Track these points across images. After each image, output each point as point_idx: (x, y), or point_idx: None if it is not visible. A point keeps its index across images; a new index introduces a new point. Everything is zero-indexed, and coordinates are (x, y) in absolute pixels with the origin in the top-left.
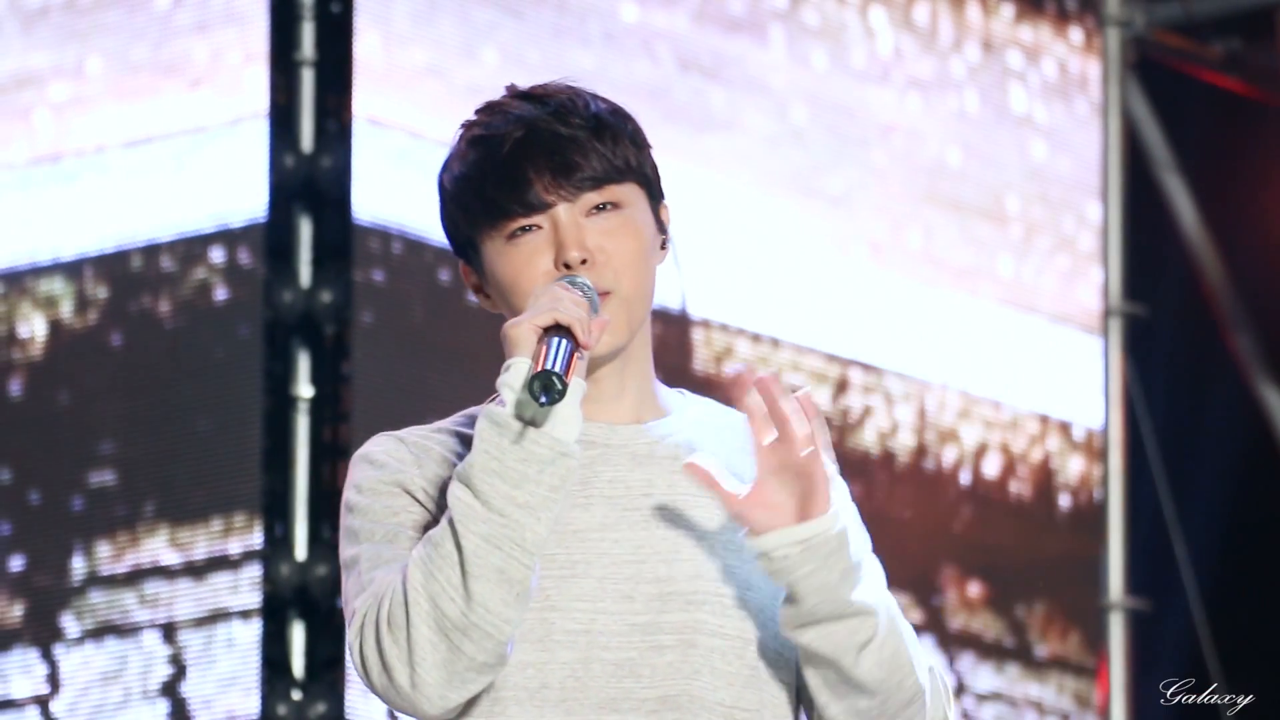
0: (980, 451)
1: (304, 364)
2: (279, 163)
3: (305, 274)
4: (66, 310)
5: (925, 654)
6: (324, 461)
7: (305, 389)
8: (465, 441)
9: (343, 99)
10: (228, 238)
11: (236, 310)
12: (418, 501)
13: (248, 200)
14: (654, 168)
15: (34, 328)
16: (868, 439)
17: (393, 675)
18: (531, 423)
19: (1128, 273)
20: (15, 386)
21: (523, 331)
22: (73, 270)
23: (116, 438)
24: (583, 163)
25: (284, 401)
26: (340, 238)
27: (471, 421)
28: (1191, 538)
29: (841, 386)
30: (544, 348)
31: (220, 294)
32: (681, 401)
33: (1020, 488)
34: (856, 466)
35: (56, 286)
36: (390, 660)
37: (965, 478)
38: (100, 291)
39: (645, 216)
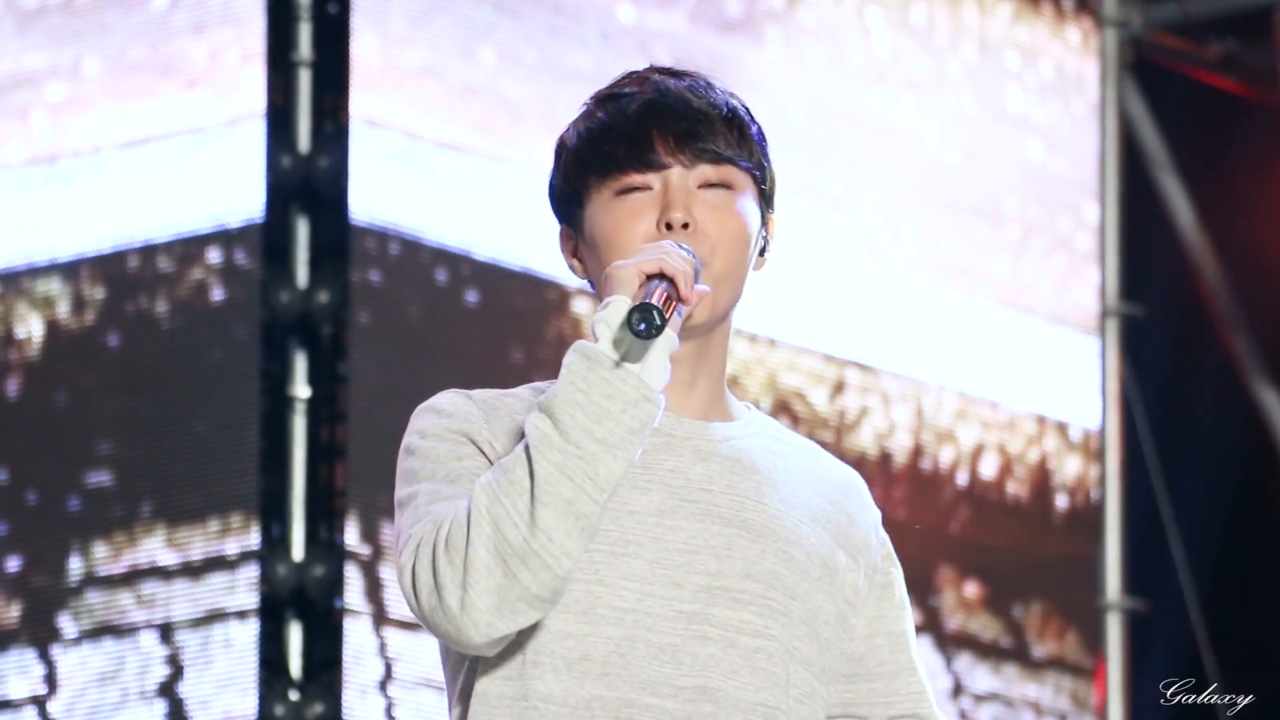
0: (977, 452)
1: (301, 364)
2: (276, 163)
3: (302, 274)
4: (63, 310)
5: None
6: (321, 462)
7: (302, 389)
8: (530, 407)
9: (340, 99)
10: (225, 238)
11: (233, 311)
12: (482, 453)
13: (245, 201)
14: (773, 180)
15: (31, 328)
16: (865, 439)
17: (443, 595)
18: (622, 359)
19: (1124, 273)
20: (12, 387)
21: (628, 273)
22: (70, 271)
23: (113, 438)
24: (707, 135)
25: (281, 402)
26: (337, 238)
27: (539, 393)
28: (1188, 538)
29: (838, 387)
30: (644, 289)
31: (217, 294)
32: (749, 413)
33: (1017, 488)
34: (853, 467)
35: (53, 287)
36: (443, 580)
37: (962, 478)
38: (97, 292)
39: (754, 209)
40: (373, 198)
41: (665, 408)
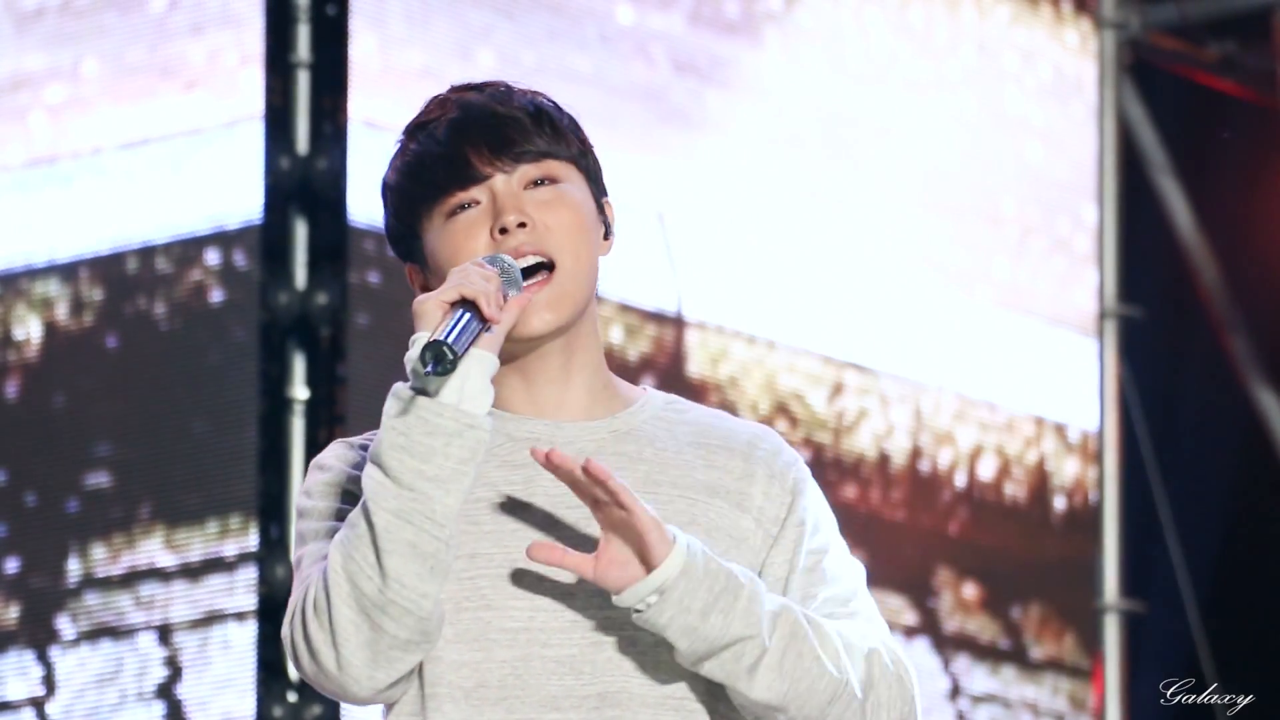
0: (976, 454)
1: (299, 366)
2: (275, 165)
3: (301, 276)
4: (62, 312)
5: (866, 634)
6: None
7: (301, 391)
8: None
9: (338, 101)
10: (223, 240)
11: (232, 312)
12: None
13: (243, 202)
14: (596, 163)
15: (30, 329)
16: (863, 441)
17: (319, 658)
18: (423, 393)
19: (1123, 275)
20: (11, 388)
21: (429, 307)
22: (68, 272)
23: (112, 440)
24: (520, 138)
25: (280, 403)
26: (336, 240)
27: None
28: (1186, 540)
29: (837, 389)
30: (444, 322)
31: (216, 296)
32: (644, 396)
33: (1015, 490)
34: (851, 469)
35: (52, 288)
36: (316, 644)
37: (961, 480)
38: (96, 293)
39: (584, 196)
40: (371, 199)
41: (544, 416)
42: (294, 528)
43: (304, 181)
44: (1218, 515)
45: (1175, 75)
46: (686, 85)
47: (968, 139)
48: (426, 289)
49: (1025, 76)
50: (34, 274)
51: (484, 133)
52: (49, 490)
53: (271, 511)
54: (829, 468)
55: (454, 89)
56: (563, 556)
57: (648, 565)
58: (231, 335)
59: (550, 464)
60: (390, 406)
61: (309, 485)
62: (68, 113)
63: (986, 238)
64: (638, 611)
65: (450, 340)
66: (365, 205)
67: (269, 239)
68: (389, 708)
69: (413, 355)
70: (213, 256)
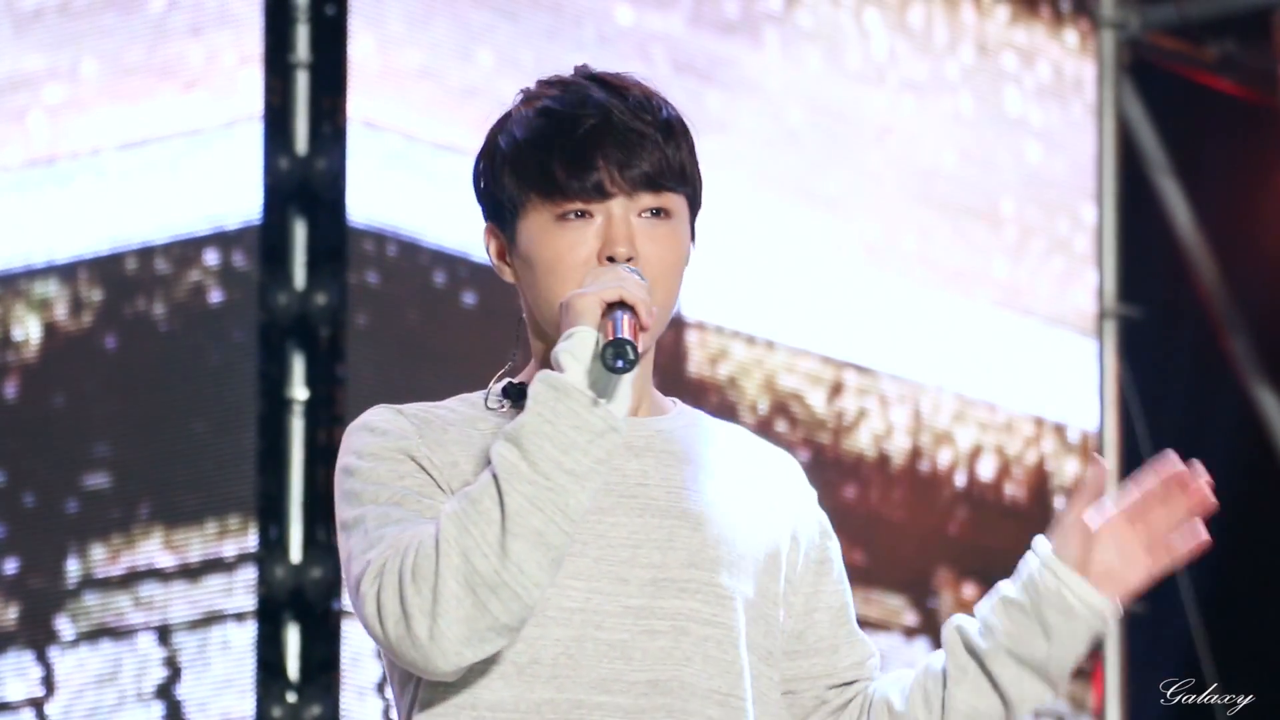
0: (975, 454)
1: (299, 366)
2: (274, 165)
3: (300, 276)
4: (61, 312)
5: None
6: (319, 464)
7: (300, 391)
8: (465, 419)
9: (337, 101)
10: (222, 240)
11: (231, 312)
12: (422, 469)
13: (242, 202)
14: (701, 180)
15: (28, 330)
16: (862, 441)
17: (412, 624)
18: (593, 391)
19: (1122, 275)
20: (10, 389)
21: (588, 303)
22: (67, 272)
23: (111, 440)
24: (648, 162)
25: (279, 404)
26: (335, 240)
27: (468, 404)
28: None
29: (836, 389)
30: (611, 321)
31: (215, 296)
32: (677, 406)
33: (1015, 490)
34: (851, 469)
35: (51, 289)
36: (411, 609)
37: (960, 480)
38: (95, 294)
39: (686, 231)
40: (370, 200)
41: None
42: (341, 485)
43: (303, 182)
44: (1218, 516)
45: (1175, 75)
46: (686, 85)
47: (967, 139)
48: (504, 260)
49: (1024, 76)
50: (33, 274)
51: (618, 148)
52: (48, 491)
53: (271, 512)
54: (828, 468)
55: (588, 77)
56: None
57: (1116, 588)
58: (231, 336)
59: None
60: (540, 392)
61: (360, 446)
62: (66, 113)
63: (986, 238)
64: (1084, 606)
65: (632, 340)
66: (365, 205)
67: (268, 239)
68: (418, 683)
69: (573, 348)
70: (212, 257)
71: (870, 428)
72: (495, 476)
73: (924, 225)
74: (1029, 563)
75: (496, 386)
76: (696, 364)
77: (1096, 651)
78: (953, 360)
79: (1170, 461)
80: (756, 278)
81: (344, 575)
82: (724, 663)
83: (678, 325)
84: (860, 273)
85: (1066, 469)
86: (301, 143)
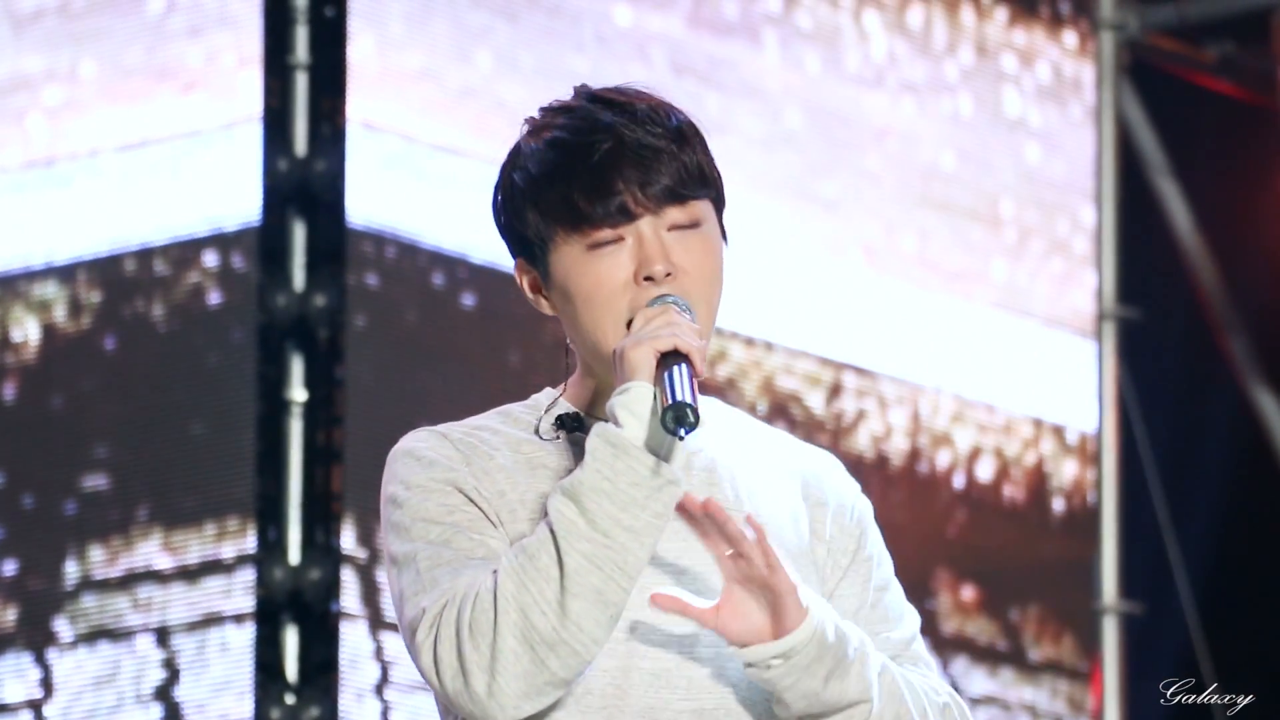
0: (974, 455)
1: (297, 367)
2: (273, 166)
3: (299, 278)
4: (60, 314)
5: (937, 688)
6: (317, 465)
7: (299, 393)
8: (509, 443)
9: (336, 103)
10: (221, 241)
11: (230, 314)
12: (470, 501)
13: (241, 204)
14: (721, 176)
15: (27, 331)
16: (861, 443)
17: (470, 680)
18: (651, 445)
19: (1121, 276)
20: (8, 390)
21: (643, 354)
22: (66, 274)
23: (110, 441)
24: (668, 175)
25: (277, 405)
26: (334, 241)
27: (508, 420)
28: (1185, 541)
29: (835, 390)
30: (666, 376)
31: (214, 298)
32: (713, 409)
33: (1014, 491)
34: (850, 470)
35: (50, 290)
36: (469, 665)
37: (959, 481)
38: (94, 295)
39: (718, 234)
40: (369, 201)
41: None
42: (389, 515)
43: (302, 183)
44: (1217, 516)
45: (1174, 76)
46: (685, 87)
47: (966, 140)
48: (539, 294)
49: (1024, 78)
50: (32, 276)
51: (636, 168)
52: (47, 492)
53: (269, 513)
54: None
55: (591, 98)
56: (685, 606)
57: (779, 627)
58: (229, 337)
59: (709, 510)
60: (598, 448)
61: (407, 476)
62: (65, 115)
63: (985, 239)
64: (751, 666)
65: (694, 403)
66: (363, 207)
67: (267, 241)
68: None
69: (630, 403)
70: (211, 258)
71: (869, 429)
72: (553, 533)
73: (923, 226)
74: None
75: (549, 416)
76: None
77: (1095, 652)
78: (951, 362)
79: (686, 507)
80: (755, 279)
81: (395, 609)
82: (764, 690)
83: None
84: (859, 274)
85: (1065, 470)
86: (300, 144)
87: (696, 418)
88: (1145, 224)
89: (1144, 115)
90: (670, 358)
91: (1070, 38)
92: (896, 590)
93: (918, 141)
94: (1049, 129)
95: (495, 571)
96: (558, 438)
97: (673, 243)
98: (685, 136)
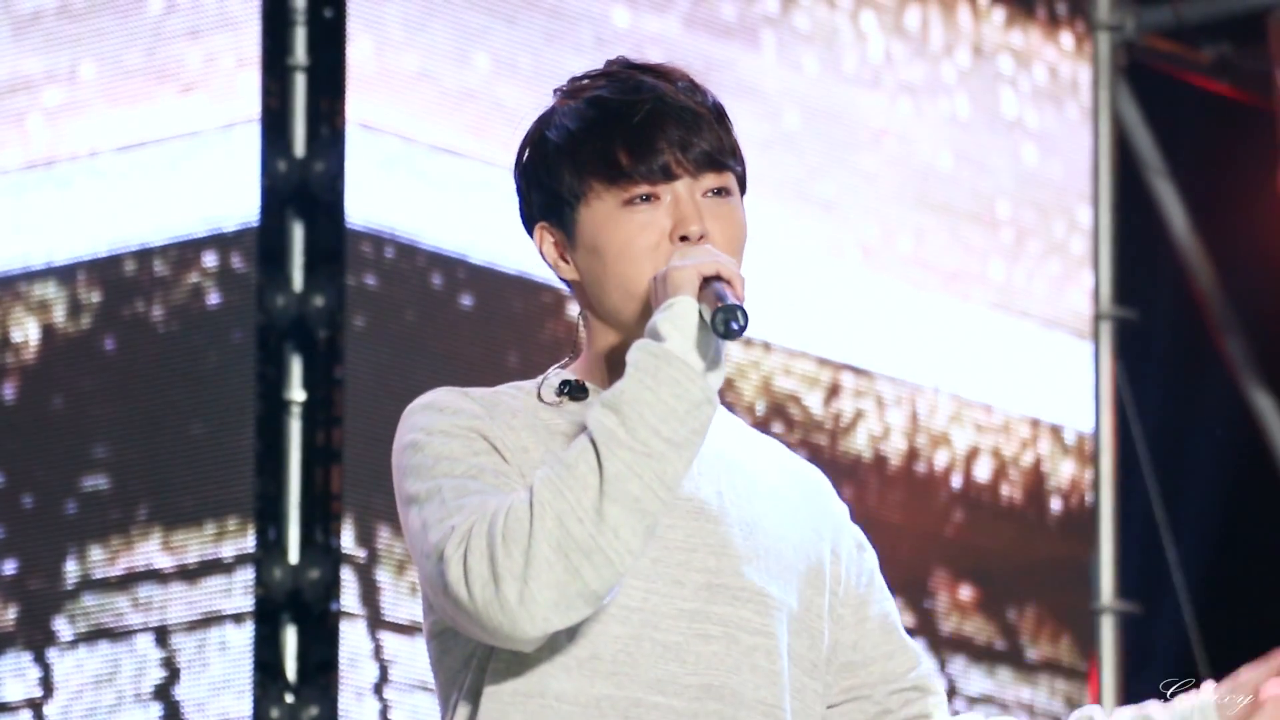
0: (972, 455)
1: (297, 368)
2: (272, 167)
3: (298, 278)
4: (59, 314)
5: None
6: (317, 465)
7: (298, 393)
8: (528, 409)
9: (335, 104)
10: (221, 242)
11: (229, 314)
12: (495, 450)
13: (240, 205)
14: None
15: (27, 332)
16: (859, 443)
17: (501, 586)
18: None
19: (1118, 277)
20: (8, 390)
21: (687, 275)
22: (66, 274)
23: (109, 442)
24: (708, 141)
25: (277, 405)
26: (333, 242)
27: (522, 390)
28: (1182, 541)
29: (833, 390)
30: (713, 289)
31: (213, 298)
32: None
33: (1012, 491)
34: (848, 470)
35: (50, 291)
36: (502, 572)
37: (957, 481)
38: (93, 296)
39: (743, 210)
40: (368, 202)
41: None
42: (406, 460)
43: (301, 184)
44: (1213, 516)
45: (1170, 78)
46: None
47: (963, 141)
48: (561, 255)
49: (1020, 79)
50: (32, 276)
51: (678, 128)
52: (47, 492)
53: (269, 513)
54: (825, 469)
55: (630, 66)
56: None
57: None
58: (229, 337)
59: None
60: (642, 359)
61: (427, 423)
62: (65, 116)
63: (982, 240)
64: None
65: (743, 306)
66: (362, 208)
67: (266, 242)
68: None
69: (675, 317)
70: (210, 259)
71: (867, 429)
72: (594, 442)
73: (920, 227)
74: (1188, 700)
75: (553, 380)
76: None
77: (1092, 650)
78: (949, 362)
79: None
80: (753, 280)
81: (413, 546)
82: (769, 673)
83: None
84: (857, 274)
85: (1062, 470)
86: (299, 145)
87: (747, 319)
88: (1142, 225)
89: (1140, 116)
90: (712, 281)
91: (1067, 39)
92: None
93: (915, 142)
94: (1046, 130)
95: (530, 486)
96: (560, 404)
97: (706, 208)
98: (721, 111)
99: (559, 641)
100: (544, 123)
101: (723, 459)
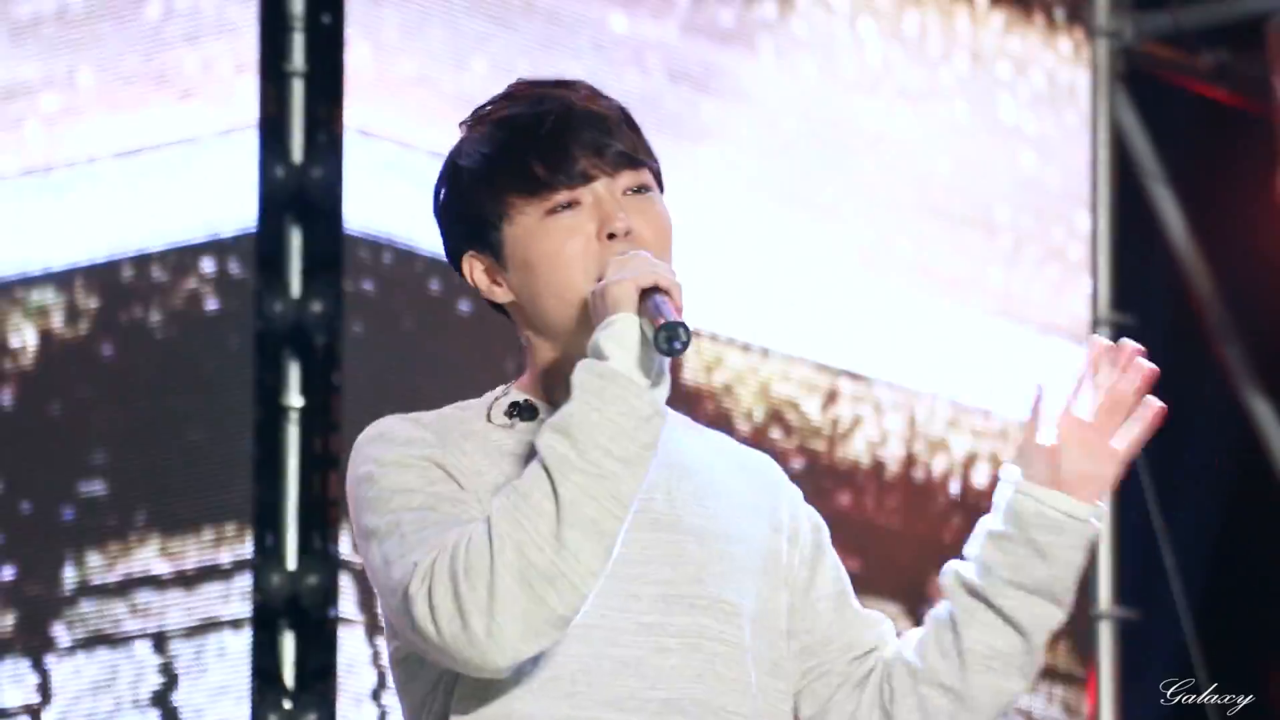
0: (970, 461)
1: (294, 374)
2: (270, 173)
3: (296, 284)
4: (57, 320)
5: None
6: (314, 471)
7: (296, 399)
8: (478, 432)
9: (333, 110)
10: (218, 248)
11: (227, 320)
12: (450, 477)
13: (238, 211)
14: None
15: (25, 338)
16: (857, 449)
17: (468, 621)
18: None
19: (1116, 282)
20: (6, 397)
21: (625, 289)
22: (64, 280)
23: (107, 448)
24: (620, 141)
25: (275, 411)
26: (330, 248)
27: (471, 413)
28: (1180, 547)
29: (831, 396)
30: (652, 304)
31: (211, 304)
32: (667, 414)
33: None
34: (846, 476)
35: (48, 296)
36: (467, 606)
37: (955, 487)
38: (91, 302)
39: (665, 205)
40: (366, 207)
41: None
42: (362, 493)
43: (299, 190)
44: (1211, 523)
45: (1168, 83)
46: (681, 93)
47: (962, 147)
48: (493, 280)
49: (1019, 85)
50: (30, 282)
51: (588, 132)
52: (44, 498)
53: (267, 519)
54: (823, 475)
55: (533, 84)
56: (1040, 405)
57: (1086, 494)
58: (227, 343)
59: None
60: (586, 380)
61: (380, 455)
62: (63, 122)
63: (980, 245)
64: (1049, 514)
65: (684, 323)
66: (360, 213)
67: (264, 248)
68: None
69: (617, 334)
70: (208, 265)
71: (865, 435)
72: (546, 468)
73: (918, 233)
74: (1003, 493)
75: (500, 403)
76: (691, 371)
77: (1090, 657)
78: (947, 368)
79: (1095, 342)
80: (751, 285)
81: (376, 582)
82: (732, 679)
83: None
84: (855, 281)
85: None
86: (297, 151)
87: (689, 335)
88: (1140, 230)
89: (1139, 122)
90: (650, 293)
91: (1065, 45)
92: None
93: (913, 148)
94: (1044, 136)
95: (487, 517)
96: (511, 425)
97: (629, 205)
98: (628, 114)
99: (525, 664)
100: (455, 155)
101: (670, 464)
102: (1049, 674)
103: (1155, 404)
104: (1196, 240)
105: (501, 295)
